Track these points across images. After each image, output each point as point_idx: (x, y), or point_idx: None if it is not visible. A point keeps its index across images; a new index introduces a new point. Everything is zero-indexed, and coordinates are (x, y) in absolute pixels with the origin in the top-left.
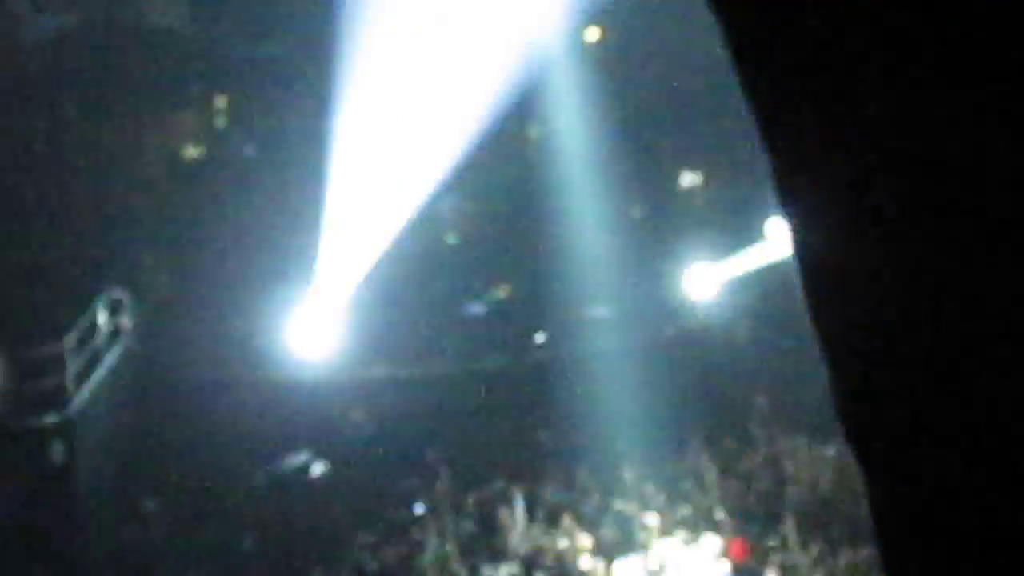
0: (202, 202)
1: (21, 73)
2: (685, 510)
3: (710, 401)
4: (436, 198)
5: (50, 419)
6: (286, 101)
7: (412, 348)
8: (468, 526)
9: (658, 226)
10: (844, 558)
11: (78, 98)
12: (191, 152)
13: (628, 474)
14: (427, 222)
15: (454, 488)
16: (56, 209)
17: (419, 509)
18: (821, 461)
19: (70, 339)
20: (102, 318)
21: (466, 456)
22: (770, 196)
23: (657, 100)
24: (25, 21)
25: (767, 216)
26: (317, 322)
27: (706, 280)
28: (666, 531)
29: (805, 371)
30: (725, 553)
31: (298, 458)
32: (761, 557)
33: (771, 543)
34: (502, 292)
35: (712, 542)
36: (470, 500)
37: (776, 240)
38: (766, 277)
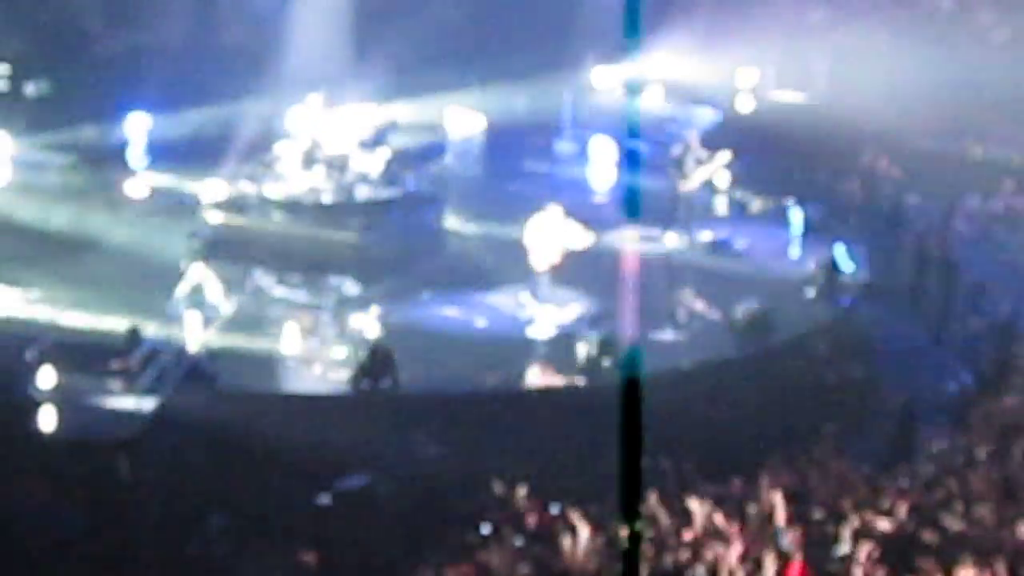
0: None
1: None
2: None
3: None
4: None
5: (118, 433)
6: None
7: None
8: (533, 550)
9: None
10: None
11: None
12: None
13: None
14: None
15: (521, 509)
16: None
17: (485, 530)
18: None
19: (140, 353)
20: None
21: (534, 478)
22: None
23: None
24: None
25: None
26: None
27: None
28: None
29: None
30: None
31: (362, 477)
32: None
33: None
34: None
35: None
36: (535, 523)
37: None
38: None
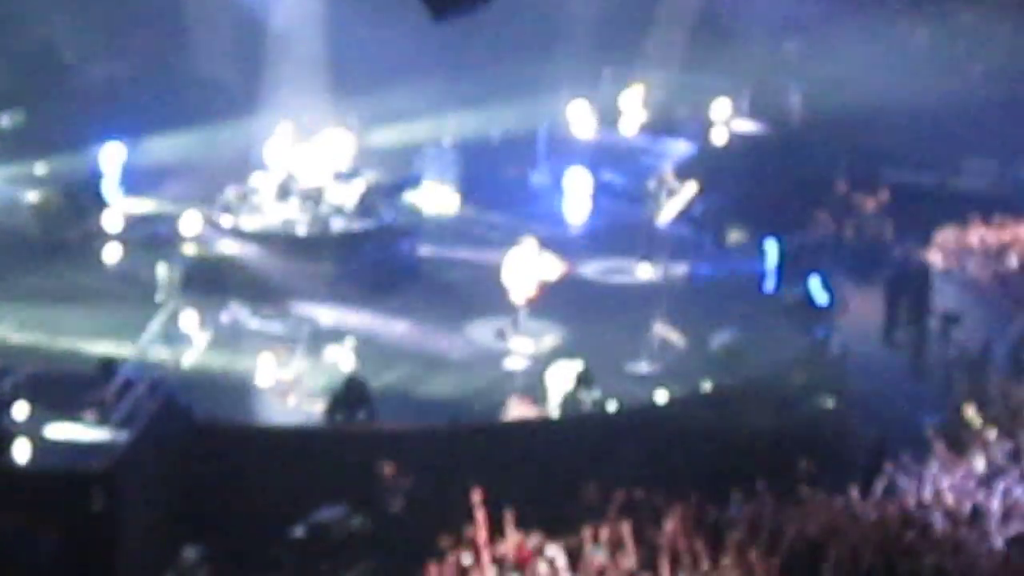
0: None
1: None
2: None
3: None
4: None
5: (92, 465)
6: None
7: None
8: None
9: None
10: None
11: None
12: None
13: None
14: None
15: (494, 540)
16: None
17: (465, 561)
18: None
19: (114, 384)
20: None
21: (508, 509)
22: None
23: None
24: None
25: None
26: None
27: None
28: None
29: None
30: None
31: (337, 510)
32: None
33: None
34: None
35: None
36: (510, 554)
37: None
38: None
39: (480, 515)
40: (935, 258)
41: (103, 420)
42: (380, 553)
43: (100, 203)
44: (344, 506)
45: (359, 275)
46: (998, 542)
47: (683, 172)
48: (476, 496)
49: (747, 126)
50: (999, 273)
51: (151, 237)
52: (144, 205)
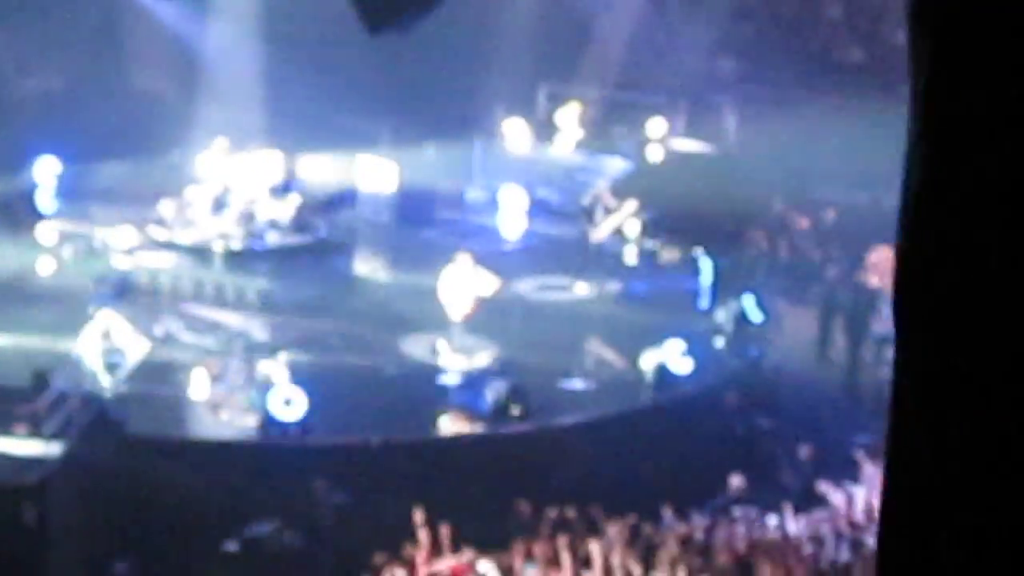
0: None
1: None
2: None
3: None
4: None
5: (23, 479)
6: None
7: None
8: None
9: None
10: None
11: None
12: None
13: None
14: None
15: (429, 558)
16: None
17: None
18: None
19: (46, 397)
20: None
21: (442, 525)
22: None
23: None
24: None
25: None
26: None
27: None
28: None
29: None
30: None
31: (269, 524)
32: None
33: None
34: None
35: None
36: (445, 571)
37: None
38: None
39: (423, 534)
40: (871, 278)
41: (35, 433)
42: (313, 568)
43: (35, 216)
44: (277, 521)
45: (293, 289)
46: None
47: (619, 190)
48: (418, 516)
49: (683, 144)
50: None
51: (84, 250)
52: (78, 220)
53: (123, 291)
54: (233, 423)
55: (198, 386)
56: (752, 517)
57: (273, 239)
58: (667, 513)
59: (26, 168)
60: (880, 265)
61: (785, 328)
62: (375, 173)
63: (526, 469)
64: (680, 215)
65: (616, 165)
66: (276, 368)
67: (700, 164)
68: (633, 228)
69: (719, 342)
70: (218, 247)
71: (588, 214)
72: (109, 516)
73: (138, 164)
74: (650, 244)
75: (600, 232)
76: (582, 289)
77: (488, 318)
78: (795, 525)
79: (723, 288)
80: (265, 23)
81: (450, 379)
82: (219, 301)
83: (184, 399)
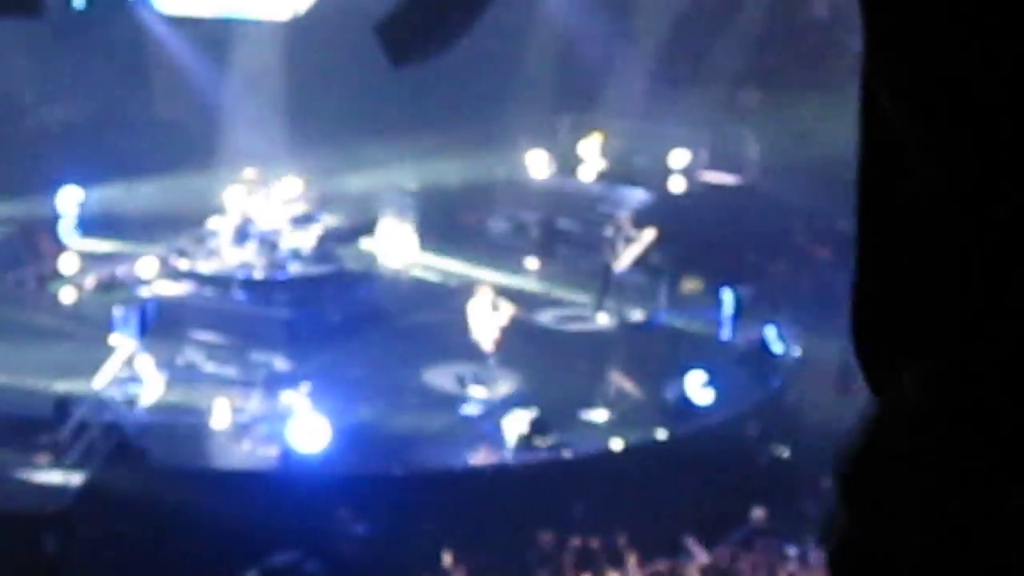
0: None
1: None
2: None
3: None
4: None
5: (45, 508)
6: None
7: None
8: None
9: None
10: None
11: None
12: None
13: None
14: None
15: None
16: None
17: None
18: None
19: (69, 426)
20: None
21: (465, 556)
22: None
23: None
24: None
25: None
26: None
27: None
28: None
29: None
30: None
31: (291, 554)
32: None
33: None
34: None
35: None
36: None
37: None
38: None
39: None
40: None
41: (57, 462)
42: None
43: (58, 245)
44: (299, 551)
45: (316, 319)
46: None
47: (640, 220)
48: (448, 556)
49: (706, 175)
50: None
51: (108, 280)
52: (101, 248)
53: (145, 321)
54: (255, 453)
55: (220, 416)
56: (774, 548)
57: (295, 269)
58: (689, 544)
59: (49, 197)
60: None
61: (807, 359)
62: (398, 204)
63: (548, 500)
64: (702, 246)
65: (638, 196)
66: (298, 398)
67: (722, 195)
68: (654, 259)
69: (741, 373)
70: (240, 277)
71: (610, 244)
72: (130, 545)
73: (162, 193)
74: (671, 275)
75: (621, 263)
76: (603, 319)
77: (510, 349)
78: (817, 556)
79: (745, 319)
80: (289, 51)
81: (472, 409)
82: (241, 331)
83: (206, 429)
